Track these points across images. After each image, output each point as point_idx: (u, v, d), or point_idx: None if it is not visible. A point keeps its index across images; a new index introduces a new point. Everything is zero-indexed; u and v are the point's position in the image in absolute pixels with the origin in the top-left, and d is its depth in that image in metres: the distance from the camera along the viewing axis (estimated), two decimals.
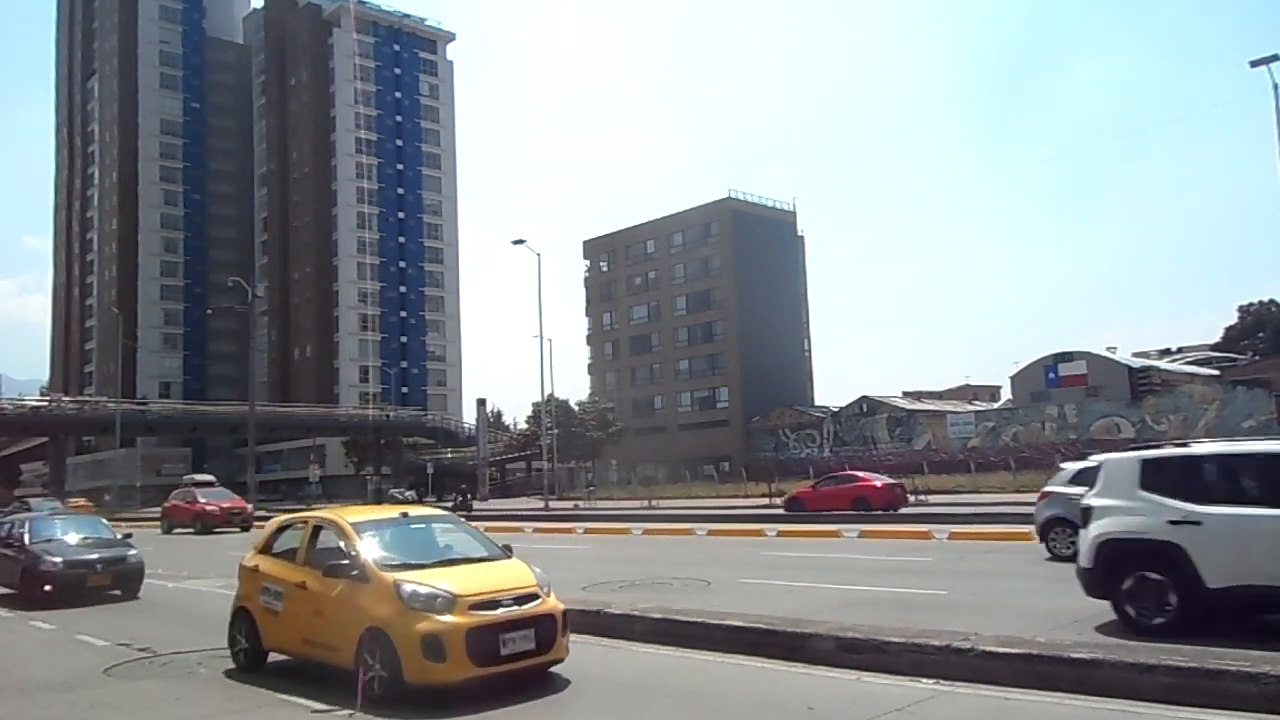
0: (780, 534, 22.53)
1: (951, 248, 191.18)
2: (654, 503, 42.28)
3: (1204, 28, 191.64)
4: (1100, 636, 8.13)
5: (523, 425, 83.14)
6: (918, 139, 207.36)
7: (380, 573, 7.32)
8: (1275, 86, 27.91)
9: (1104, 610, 9.43)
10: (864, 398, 77.58)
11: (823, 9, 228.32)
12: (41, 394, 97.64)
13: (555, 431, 57.88)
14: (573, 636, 9.67)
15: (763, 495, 38.70)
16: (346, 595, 7.42)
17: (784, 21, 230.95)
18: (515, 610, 7.26)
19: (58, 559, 14.21)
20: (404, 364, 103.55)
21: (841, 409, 78.40)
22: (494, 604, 7.19)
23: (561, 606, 7.68)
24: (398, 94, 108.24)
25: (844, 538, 20.69)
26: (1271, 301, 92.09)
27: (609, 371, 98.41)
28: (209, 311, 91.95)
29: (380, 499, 68.41)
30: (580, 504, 46.08)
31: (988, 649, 7.15)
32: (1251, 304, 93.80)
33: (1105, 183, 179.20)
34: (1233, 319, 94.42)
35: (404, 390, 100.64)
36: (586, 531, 27.46)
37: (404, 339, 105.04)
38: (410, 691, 6.91)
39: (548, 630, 7.39)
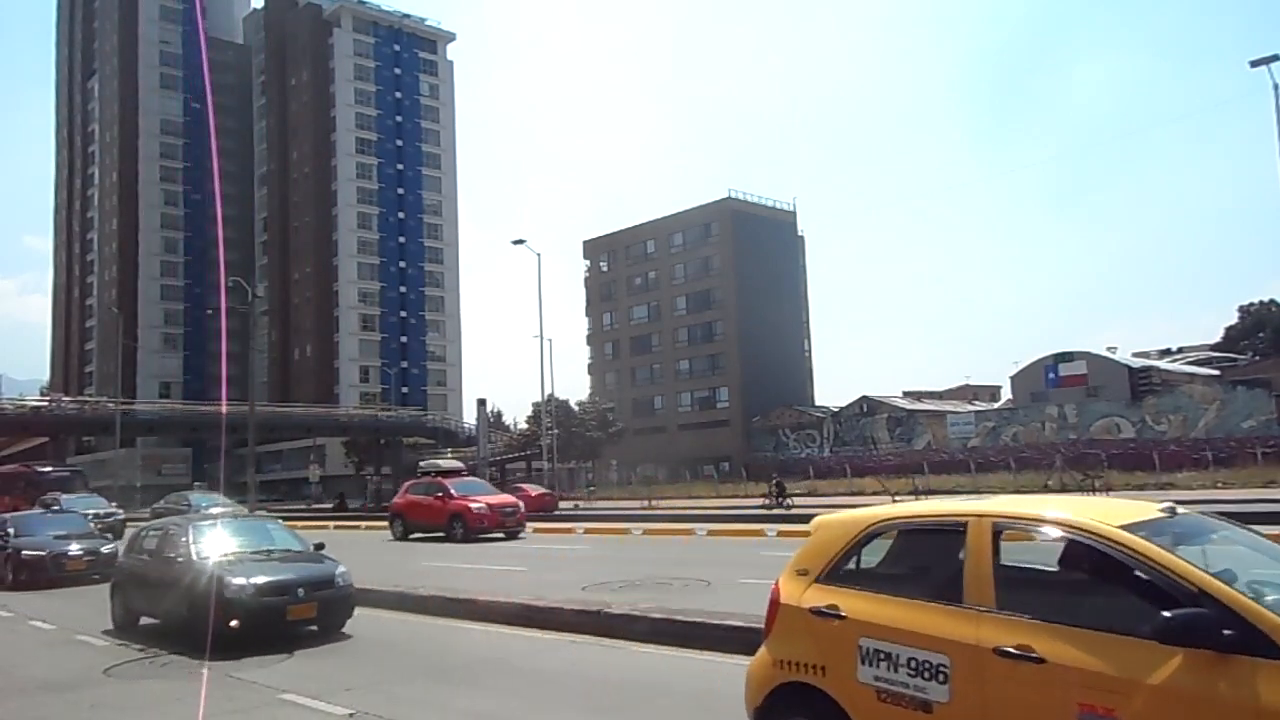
0: (780, 534, 22.50)
1: (951, 248, 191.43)
2: (654, 503, 42.26)
3: (1204, 28, 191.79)
4: None
5: (523, 425, 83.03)
6: (918, 139, 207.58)
7: None
8: (1275, 86, 27.92)
9: None
10: (864, 398, 77.62)
11: (823, 9, 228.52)
12: (41, 394, 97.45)
13: (555, 431, 57.87)
14: (572, 637, 9.74)
15: (763, 495, 38.72)
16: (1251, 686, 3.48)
17: (784, 21, 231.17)
18: None
19: (244, 581, 10.01)
20: (404, 364, 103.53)
21: (841, 409, 78.45)
22: None
23: None
24: (398, 94, 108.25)
25: None
26: (1271, 301, 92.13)
27: (609, 371, 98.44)
28: (209, 311, 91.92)
29: (380, 499, 68.46)
30: (580, 504, 46.07)
31: None
32: (1251, 304, 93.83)
33: (1105, 183, 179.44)
34: (1233, 319, 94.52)
35: (404, 390, 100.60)
36: (586, 531, 27.44)
37: (404, 339, 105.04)
38: None
39: None
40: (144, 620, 11.54)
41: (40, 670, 9.41)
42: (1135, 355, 75.78)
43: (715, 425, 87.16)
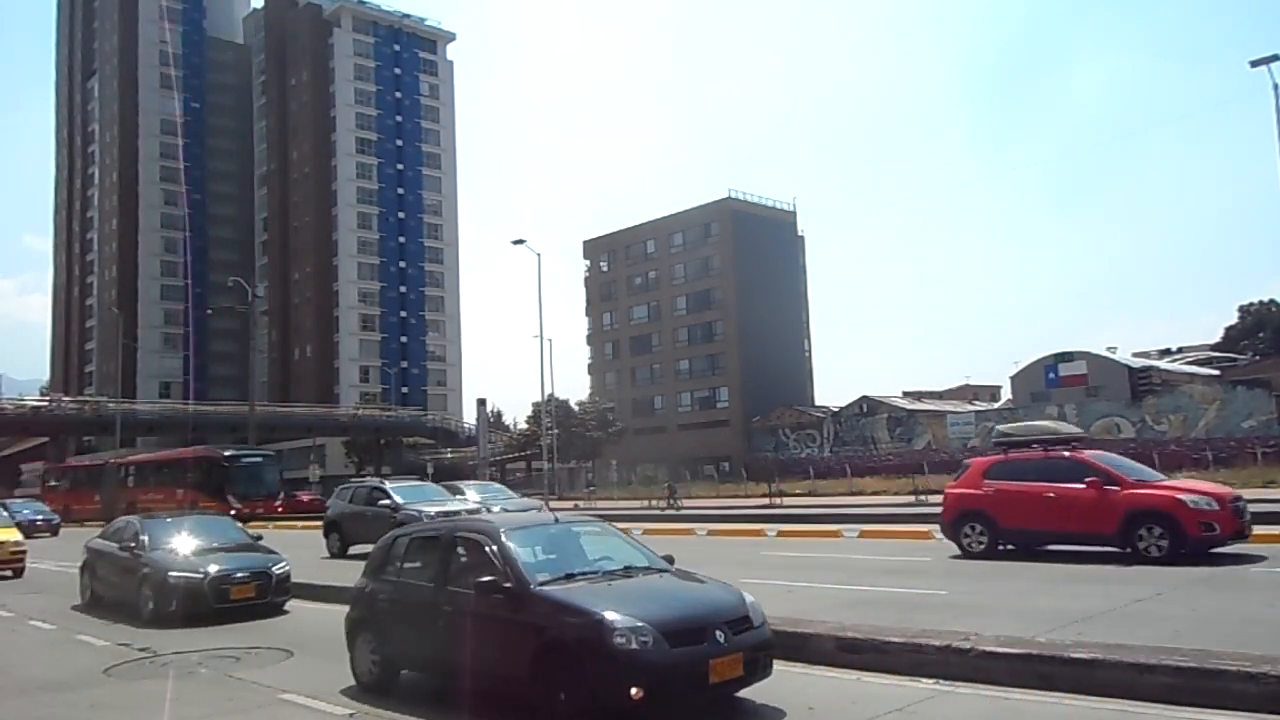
0: (780, 534, 22.50)
1: (951, 248, 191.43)
2: (654, 503, 42.23)
3: (1204, 28, 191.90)
4: (1100, 636, 8.13)
5: (523, 425, 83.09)
6: (918, 139, 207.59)
7: None
8: (1275, 86, 27.89)
9: (1104, 609, 9.43)
10: (864, 398, 77.57)
11: (823, 9, 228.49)
12: (41, 394, 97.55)
13: (555, 431, 57.85)
14: None
15: (763, 495, 38.70)
16: None
17: (784, 21, 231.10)
18: None
19: (631, 621, 6.07)
20: (404, 364, 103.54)
21: (841, 409, 78.36)
22: None
23: None
24: (398, 94, 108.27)
25: (844, 538, 20.67)
26: (1271, 301, 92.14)
27: (609, 371, 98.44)
28: (209, 311, 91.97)
29: None
30: (580, 504, 46.00)
31: (988, 649, 7.15)
32: (1251, 304, 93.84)
33: (1105, 183, 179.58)
34: (1233, 319, 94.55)
35: (404, 390, 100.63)
36: None
37: (404, 339, 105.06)
38: None
39: None
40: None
41: (40, 670, 9.40)
42: (1135, 355, 75.73)
43: (715, 425, 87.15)
